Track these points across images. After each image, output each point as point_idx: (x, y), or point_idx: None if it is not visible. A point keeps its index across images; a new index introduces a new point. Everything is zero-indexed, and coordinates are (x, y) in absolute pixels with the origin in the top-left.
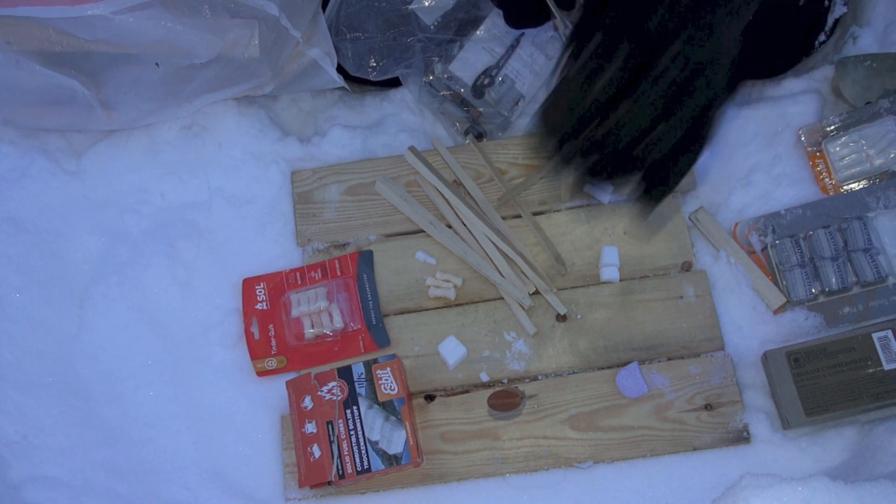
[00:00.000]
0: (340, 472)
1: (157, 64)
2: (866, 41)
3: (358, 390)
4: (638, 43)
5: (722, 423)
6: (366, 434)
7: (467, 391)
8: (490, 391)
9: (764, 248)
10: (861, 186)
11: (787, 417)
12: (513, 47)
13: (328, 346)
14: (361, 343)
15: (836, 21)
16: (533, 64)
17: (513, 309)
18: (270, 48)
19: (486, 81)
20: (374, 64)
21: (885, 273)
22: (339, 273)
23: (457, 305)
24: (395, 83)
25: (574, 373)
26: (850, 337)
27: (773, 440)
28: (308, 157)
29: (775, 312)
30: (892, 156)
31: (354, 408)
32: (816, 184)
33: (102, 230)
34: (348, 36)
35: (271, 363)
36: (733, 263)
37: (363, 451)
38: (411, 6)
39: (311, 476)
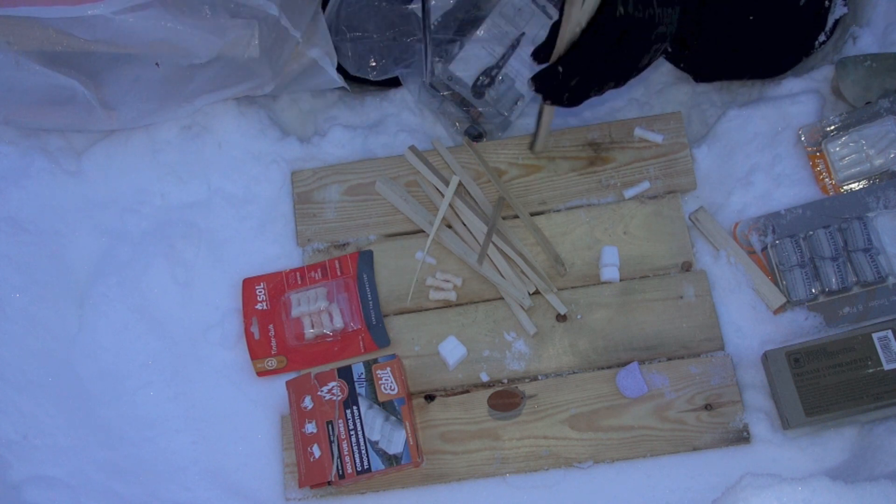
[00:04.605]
0: (340, 472)
1: (157, 64)
2: (866, 41)
3: (358, 390)
4: None
5: (722, 423)
6: (366, 434)
7: (467, 391)
8: (490, 391)
9: (764, 248)
10: (861, 186)
11: (787, 417)
12: (513, 47)
13: (328, 346)
14: (361, 343)
15: (837, 21)
16: (533, 64)
17: (513, 309)
18: (270, 48)
19: (486, 81)
20: (374, 64)
21: (885, 273)
22: (339, 273)
23: (457, 305)
24: (395, 83)
25: (574, 373)
26: (850, 337)
27: (773, 440)
28: (308, 157)
29: (775, 312)
30: (892, 156)
31: (354, 408)
32: (816, 184)
33: (102, 230)
34: (348, 36)
35: (271, 363)
36: (733, 263)
37: (363, 451)
38: (411, 6)
39: (311, 476)
